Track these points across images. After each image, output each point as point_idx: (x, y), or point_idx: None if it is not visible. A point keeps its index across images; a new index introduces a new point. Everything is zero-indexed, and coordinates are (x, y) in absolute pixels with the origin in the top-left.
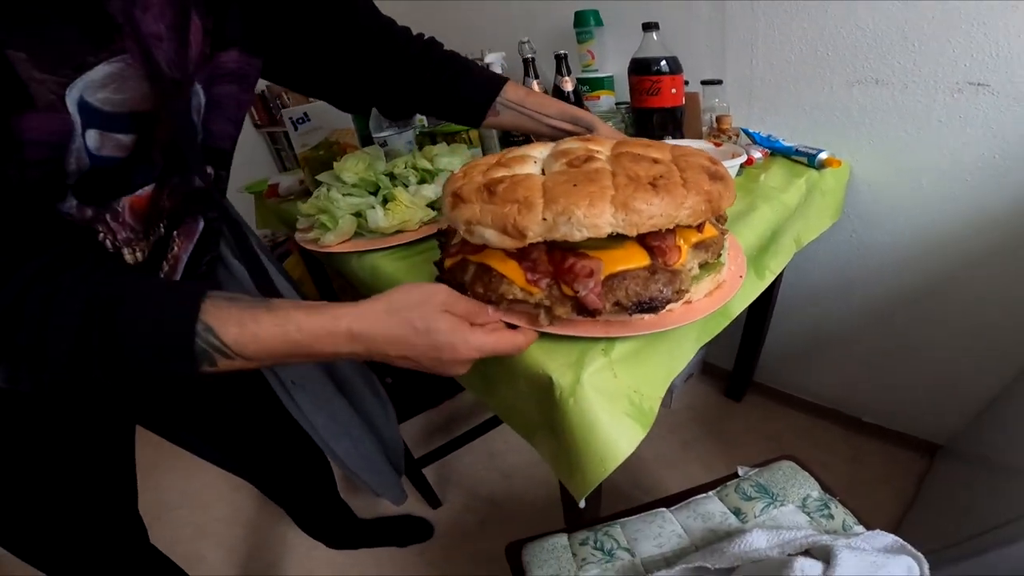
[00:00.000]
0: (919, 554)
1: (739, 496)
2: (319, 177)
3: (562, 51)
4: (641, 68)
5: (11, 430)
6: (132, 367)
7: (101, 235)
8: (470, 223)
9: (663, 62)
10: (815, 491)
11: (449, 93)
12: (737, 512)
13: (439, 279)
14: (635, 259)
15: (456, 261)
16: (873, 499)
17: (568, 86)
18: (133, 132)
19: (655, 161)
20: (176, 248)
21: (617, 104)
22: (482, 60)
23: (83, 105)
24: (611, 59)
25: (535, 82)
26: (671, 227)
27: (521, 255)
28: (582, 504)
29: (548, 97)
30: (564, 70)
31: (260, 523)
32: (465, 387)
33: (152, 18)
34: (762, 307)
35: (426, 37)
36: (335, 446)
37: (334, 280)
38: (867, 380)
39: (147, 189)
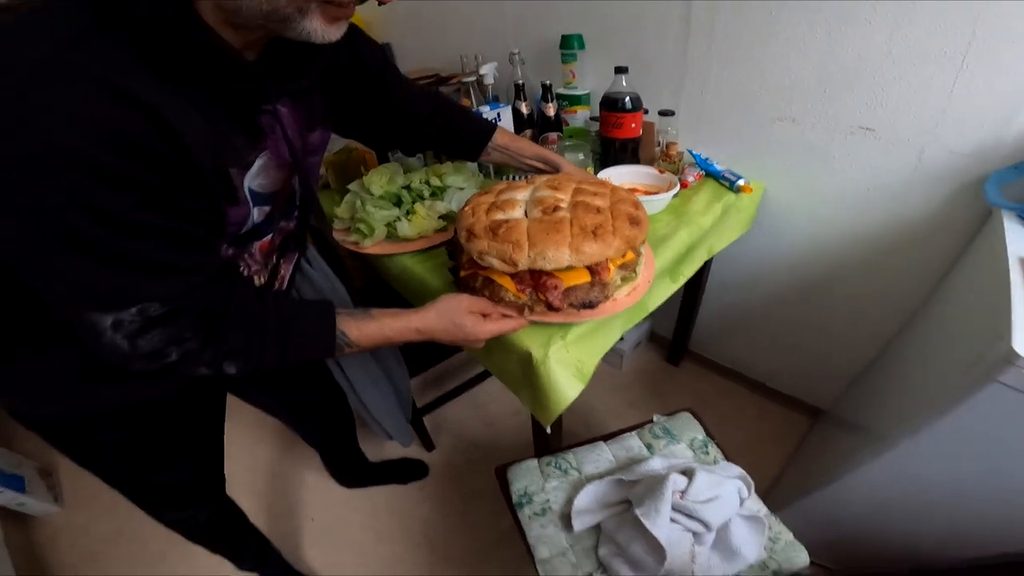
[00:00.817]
0: (748, 478)
1: (650, 435)
2: (350, 187)
3: (548, 80)
4: (609, 104)
5: (144, 396)
6: (300, 357)
7: (242, 267)
8: (481, 253)
9: (627, 99)
10: (700, 435)
11: (456, 139)
12: (648, 446)
13: (456, 285)
14: (581, 277)
15: (469, 273)
16: (768, 448)
17: (551, 111)
18: (270, 204)
19: (598, 210)
20: (282, 271)
21: (591, 118)
22: (477, 69)
23: (250, 191)
24: (589, 78)
25: (523, 104)
26: (603, 260)
27: (513, 274)
28: (548, 431)
29: (526, 141)
30: (548, 97)
31: (280, 471)
32: (477, 358)
33: (287, 123)
34: (693, 291)
35: (435, 92)
36: (365, 397)
37: (346, 260)
38: (772, 352)
39: (268, 236)
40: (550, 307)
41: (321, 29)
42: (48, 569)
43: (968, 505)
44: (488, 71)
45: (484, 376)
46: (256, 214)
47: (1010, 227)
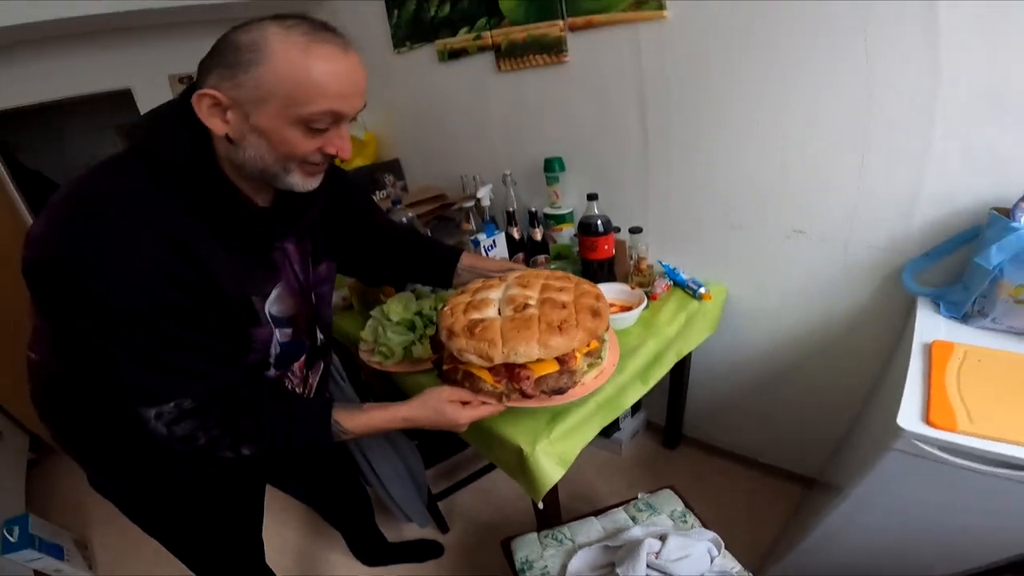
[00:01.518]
0: (719, 540)
1: (635, 509)
2: (372, 313)
3: (534, 207)
4: (584, 229)
5: (196, 481)
6: (303, 443)
7: (288, 383)
8: (460, 351)
9: (599, 223)
10: (680, 507)
11: (430, 268)
12: (633, 518)
13: (440, 377)
14: (551, 366)
15: (451, 367)
16: (765, 516)
17: (538, 236)
18: (290, 327)
19: (563, 306)
20: (311, 380)
21: (575, 235)
22: (476, 191)
23: (271, 315)
24: (571, 196)
25: (515, 229)
26: (569, 350)
27: (490, 367)
28: (541, 506)
29: (489, 259)
30: (535, 223)
31: (308, 551)
32: (476, 447)
33: (291, 262)
34: (678, 383)
35: (407, 225)
36: (390, 487)
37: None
38: (759, 429)
39: (303, 356)
40: (524, 395)
41: (301, 181)
42: None
43: (914, 544)
44: (484, 194)
45: (491, 467)
46: (279, 335)
47: (922, 313)
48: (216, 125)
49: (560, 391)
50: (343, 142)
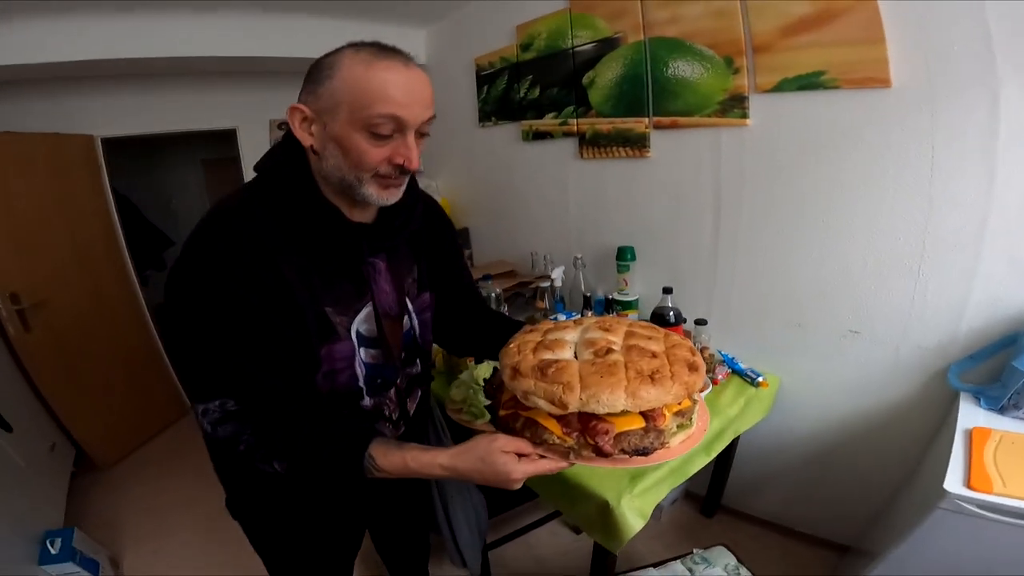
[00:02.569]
0: None
1: (691, 562)
2: (462, 376)
3: (607, 293)
4: (658, 319)
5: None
6: (333, 472)
7: (386, 411)
8: (526, 393)
9: (671, 314)
10: (732, 561)
11: (501, 340)
12: (690, 570)
13: (494, 423)
14: (635, 423)
15: (509, 413)
16: None
17: None
18: (378, 347)
19: (653, 355)
20: (410, 406)
21: (640, 319)
22: (547, 270)
23: (357, 334)
24: (638, 285)
25: (590, 312)
26: (660, 406)
27: (559, 416)
28: (616, 553)
29: None
30: (611, 309)
31: None
32: (546, 498)
33: (383, 280)
34: (726, 457)
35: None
36: (458, 533)
37: None
38: (799, 502)
39: (397, 381)
40: (599, 452)
41: (376, 193)
42: None
43: None
44: (558, 275)
45: (538, 523)
46: (363, 354)
47: (964, 406)
48: (304, 137)
49: (644, 452)
50: (409, 151)
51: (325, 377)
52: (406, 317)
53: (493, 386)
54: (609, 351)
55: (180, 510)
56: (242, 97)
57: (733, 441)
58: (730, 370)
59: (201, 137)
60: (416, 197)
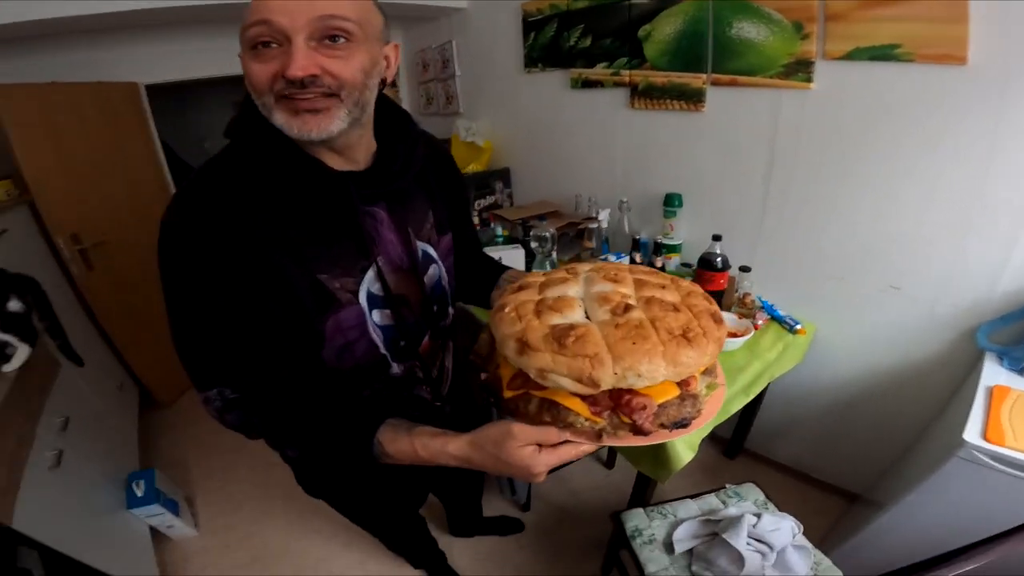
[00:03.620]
0: (799, 522)
1: (725, 495)
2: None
3: (655, 236)
4: (705, 264)
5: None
6: (343, 457)
7: (421, 375)
8: (543, 371)
9: (719, 260)
10: (761, 496)
11: (487, 283)
12: (724, 502)
13: (496, 407)
14: (670, 391)
15: (518, 394)
16: (809, 522)
17: (659, 264)
18: (392, 307)
19: (675, 308)
20: (447, 363)
21: (682, 264)
22: (593, 212)
23: (368, 296)
24: (683, 230)
25: (638, 255)
26: (699, 368)
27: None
28: (665, 485)
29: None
30: (660, 252)
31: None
32: None
33: (386, 230)
34: (755, 401)
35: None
36: None
37: None
38: (819, 449)
39: (426, 339)
40: (637, 431)
41: (287, 123)
42: None
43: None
44: (604, 217)
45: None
46: (376, 316)
47: (988, 365)
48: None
49: (683, 424)
50: (288, 58)
51: (341, 352)
52: (432, 266)
53: (481, 356)
54: (627, 308)
55: (238, 446)
56: None
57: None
58: (769, 316)
59: (231, 80)
60: (415, 138)
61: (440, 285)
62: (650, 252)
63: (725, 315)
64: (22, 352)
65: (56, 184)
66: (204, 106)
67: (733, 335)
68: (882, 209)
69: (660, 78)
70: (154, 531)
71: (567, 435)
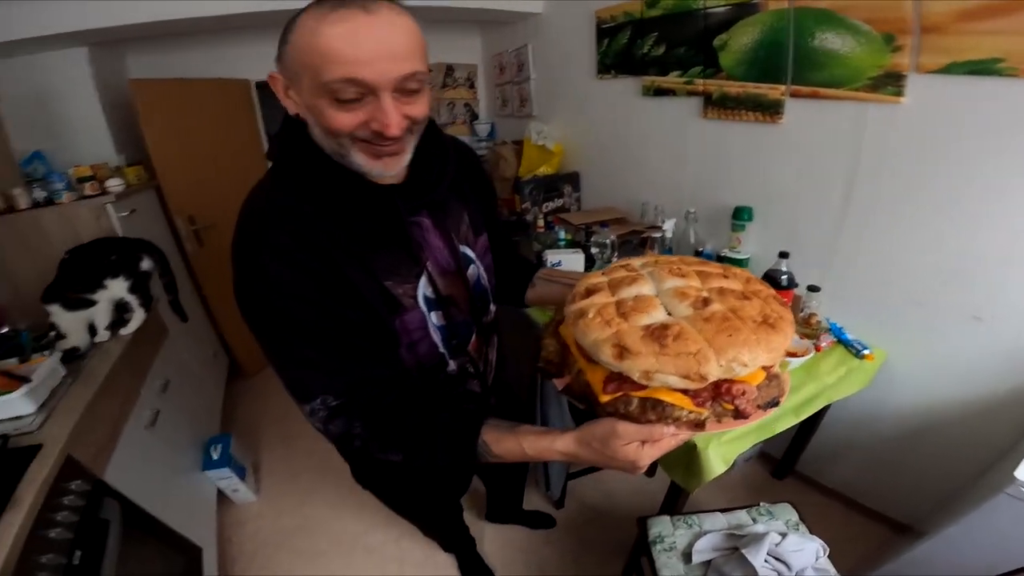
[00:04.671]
0: (826, 546)
1: (756, 513)
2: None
3: (720, 252)
4: (769, 281)
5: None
6: (447, 460)
7: (471, 370)
8: (648, 372)
9: (784, 278)
10: (794, 518)
11: (520, 279)
12: (754, 519)
13: (591, 410)
14: (760, 375)
15: (618, 396)
16: (849, 550)
17: None
18: (442, 307)
19: (745, 296)
20: (491, 356)
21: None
22: (658, 221)
23: (424, 299)
24: (751, 244)
25: None
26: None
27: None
28: (693, 492)
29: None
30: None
31: None
32: None
33: (432, 236)
34: (812, 423)
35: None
36: (552, 462)
37: None
38: (872, 477)
39: (474, 336)
40: (739, 415)
41: (367, 164)
42: (231, 547)
43: None
44: (669, 227)
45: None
46: (435, 318)
47: None
48: (290, 106)
49: (775, 403)
50: (385, 116)
51: (408, 350)
52: (472, 266)
53: (553, 363)
54: (706, 301)
55: (303, 419)
56: None
57: (823, 408)
58: (836, 339)
59: None
60: (445, 146)
61: (480, 284)
62: None
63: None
64: (139, 316)
65: (178, 171)
66: None
67: (792, 355)
68: (971, 233)
69: (735, 88)
70: (220, 493)
71: (672, 429)
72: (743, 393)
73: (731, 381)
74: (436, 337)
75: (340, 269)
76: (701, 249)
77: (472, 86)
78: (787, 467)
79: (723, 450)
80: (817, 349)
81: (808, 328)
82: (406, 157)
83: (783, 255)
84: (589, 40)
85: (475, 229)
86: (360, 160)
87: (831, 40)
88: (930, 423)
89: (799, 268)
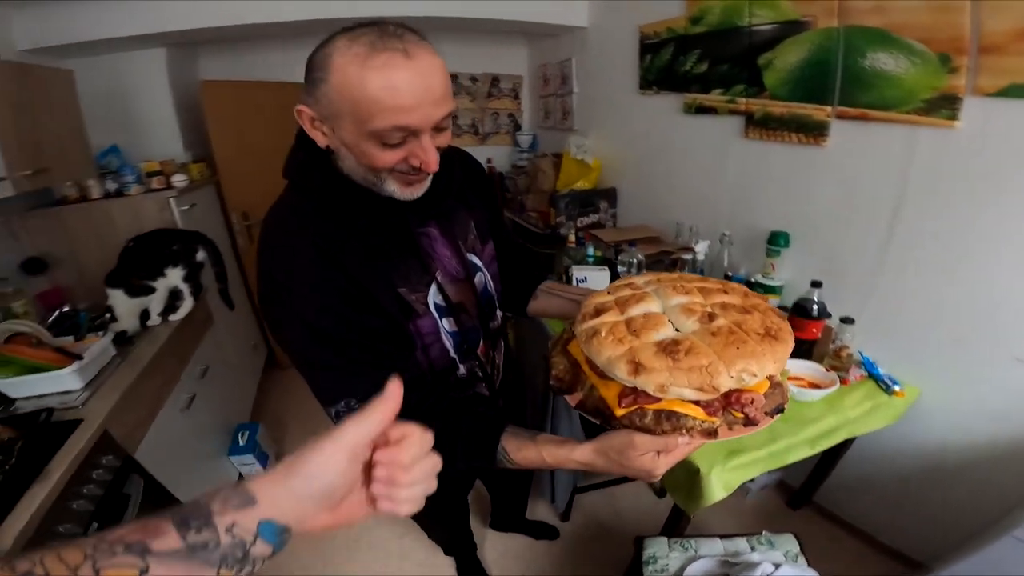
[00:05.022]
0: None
1: (756, 541)
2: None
3: (751, 278)
4: (800, 311)
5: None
6: (466, 464)
7: (480, 374)
8: (663, 386)
9: (815, 308)
10: (795, 549)
11: (524, 283)
12: (752, 548)
13: (604, 423)
14: (765, 384)
15: (633, 410)
16: None
17: None
18: (453, 314)
19: (745, 310)
20: (497, 360)
21: (779, 306)
22: (692, 242)
23: (436, 306)
24: (787, 271)
25: None
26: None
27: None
28: (692, 516)
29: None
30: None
31: None
32: None
33: (440, 246)
34: (832, 454)
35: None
36: (558, 472)
37: None
38: (890, 513)
39: (482, 342)
40: (749, 422)
41: (399, 190)
42: None
43: None
44: (702, 249)
45: (626, 480)
46: (446, 324)
47: None
48: (318, 138)
49: (780, 409)
50: (426, 154)
51: (422, 352)
52: (479, 273)
53: (564, 381)
54: (711, 316)
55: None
56: None
57: (846, 441)
58: (866, 373)
59: None
60: (450, 157)
61: (487, 291)
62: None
63: (809, 364)
64: (188, 304)
65: (236, 169)
66: None
67: (815, 386)
68: (1022, 270)
69: (779, 108)
70: (240, 479)
71: (686, 439)
72: (752, 401)
73: (740, 391)
74: (448, 342)
75: (358, 278)
76: (731, 274)
77: (516, 97)
78: (804, 497)
79: (726, 477)
80: (844, 383)
81: (837, 360)
82: (429, 180)
83: (815, 284)
84: (632, 55)
85: (482, 237)
86: (393, 188)
87: (883, 60)
88: (959, 462)
89: (835, 298)
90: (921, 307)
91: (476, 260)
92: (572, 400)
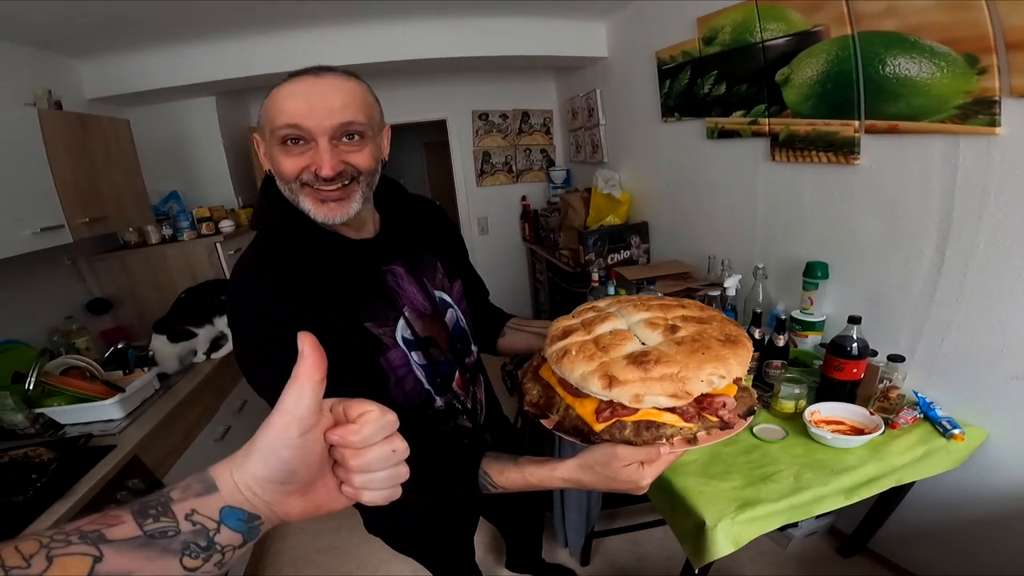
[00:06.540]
0: None
1: None
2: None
3: (783, 315)
4: (835, 349)
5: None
6: (448, 496)
7: (459, 407)
8: (638, 396)
9: (854, 347)
10: None
11: (492, 326)
12: None
13: (585, 441)
14: (733, 388)
15: (611, 424)
16: None
17: (780, 342)
18: (424, 348)
19: (701, 320)
20: (479, 395)
21: (820, 344)
22: (723, 278)
23: (404, 339)
24: (827, 305)
25: (758, 330)
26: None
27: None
28: (696, 571)
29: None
30: (782, 330)
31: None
32: (654, 502)
33: (406, 283)
34: (888, 499)
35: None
36: (568, 513)
37: None
38: (952, 562)
39: (457, 375)
40: (724, 425)
41: (314, 210)
42: (268, 555)
43: None
44: (732, 284)
45: (653, 524)
46: (416, 357)
47: None
48: (264, 161)
49: (751, 411)
50: (319, 157)
51: (395, 386)
52: (449, 310)
53: (538, 406)
54: (674, 328)
55: None
56: (451, 91)
57: (904, 486)
58: (921, 415)
59: (425, 125)
60: (408, 201)
61: (459, 326)
62: (776, 330)
63: (850, 407)
64: (230, 346)
65: None
66: (403, 147)
67: (859, 432)
68: None
69: (803, 126)
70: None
71: (667, 447)
72: (724, 405)
73: (711, 395)
74: (420, 374)
75: (322, 312)
76: (758, 311)
77: (548, 132)
78: (857, 545)
79: (736, 530)
80: (893, 426)
81: (886, 402)
82: (352, 205)
83: (853, 320)
84: (652, 82)
85: (449, 276)
86: (308, 205)
87: (905, 66)
88: None
89: (882, 333)
90: (982, 340)
91: (446, 297)
92: (549, 423)
